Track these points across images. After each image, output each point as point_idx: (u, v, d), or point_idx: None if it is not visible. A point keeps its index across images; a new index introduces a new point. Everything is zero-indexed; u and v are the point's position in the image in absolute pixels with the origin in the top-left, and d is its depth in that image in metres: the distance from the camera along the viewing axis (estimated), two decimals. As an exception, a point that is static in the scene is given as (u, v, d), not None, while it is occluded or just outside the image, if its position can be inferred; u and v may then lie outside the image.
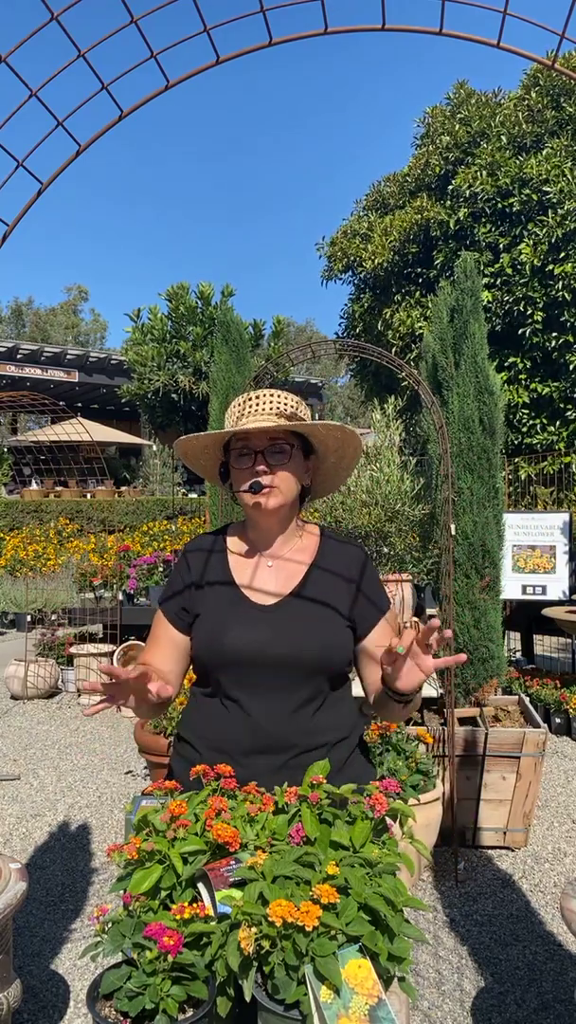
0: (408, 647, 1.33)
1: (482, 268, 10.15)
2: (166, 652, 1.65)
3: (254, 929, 1.08)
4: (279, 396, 1.59)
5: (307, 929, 1.06)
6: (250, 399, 1.59)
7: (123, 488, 19.99)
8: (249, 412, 1.58)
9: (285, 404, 1.57)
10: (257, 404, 1.57)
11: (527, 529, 5.67)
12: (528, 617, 6.21)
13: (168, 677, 1.64)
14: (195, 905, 1.16)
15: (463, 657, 1.34)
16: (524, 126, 10.49)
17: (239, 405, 1.60)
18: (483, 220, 10.59)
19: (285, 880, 1.15)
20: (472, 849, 3.50)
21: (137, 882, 1.22)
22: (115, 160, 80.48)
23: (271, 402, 1.57)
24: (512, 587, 5.55)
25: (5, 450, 16.89)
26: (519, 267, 10.09)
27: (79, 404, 24.61)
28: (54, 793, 4.28)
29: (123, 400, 16.82)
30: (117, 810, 4.01)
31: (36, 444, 14.62)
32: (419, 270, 11.48)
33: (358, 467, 4.76)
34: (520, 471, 9.51)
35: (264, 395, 1.58)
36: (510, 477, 8.78)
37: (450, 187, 10.75)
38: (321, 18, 1.29)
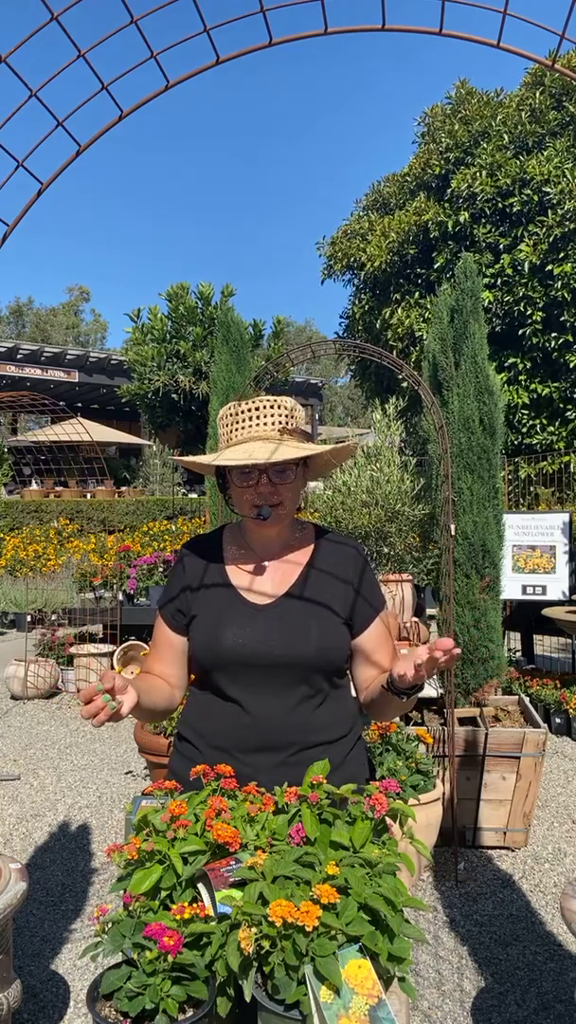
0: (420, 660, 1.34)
1: (482, 269, 10.15)
2: (167, 656, 1.66)
3: (254, 929, 1.07)
4: (278, 408, 1.55)
5: (307, 929, 1.06)
6: (245, 412, 1.55)
7: (123, 488, 19.97)
8: (246, 426, 1.54)
9: (283, 416, 1.55)
10: (256, 418, 1.54)
11: (527, 529, 5.67)
12: (528, 617, 6.21)
13: (172, 680, 1.65)
14: (195, 905, 1.16)
15: (452, 645, 1.33)
16: (526, 126, 10.48)
17: (233, 416, 1.56)
18: (483, 221, 10.58)
19: (285, 880, 1.15)
20: (472, 849, 3.50)
21: (137, 882, 1.22)
22: (116, 161, 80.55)
23: (271, 415, 1.54)
24: (512, 587, 5.55)
25: (5, 450, 16.88)
26: (519, 267, 10.09)
27: (79, 404, 24.60)
28: (54, 793, 4.28)
29: (123, 400, 16.83)
30: (117, 810, 4.01)
31: (36, 444, 14.62)
32: (419, 271, 11.47)
33: (358, 467, 4.76)
34: (520, 471, 9.51)
35: (263, 408, 1.54)
36: (510, 477, 8.79)
37: (450, 188, 10.75)
38: (321, 18, 1.29)
